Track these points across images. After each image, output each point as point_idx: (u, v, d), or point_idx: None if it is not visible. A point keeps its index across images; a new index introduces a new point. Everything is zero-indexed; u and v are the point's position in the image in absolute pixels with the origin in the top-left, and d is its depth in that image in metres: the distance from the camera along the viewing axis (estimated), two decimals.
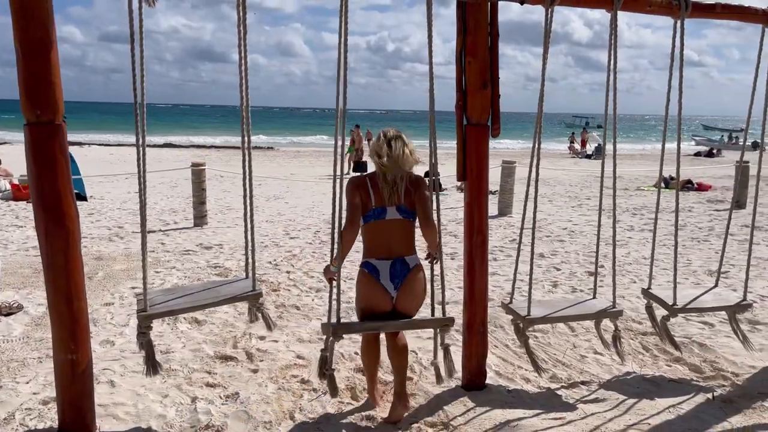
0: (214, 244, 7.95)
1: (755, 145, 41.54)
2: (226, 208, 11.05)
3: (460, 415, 3.37)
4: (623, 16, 3.03)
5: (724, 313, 4.74)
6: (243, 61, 2.98)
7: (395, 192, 3.16)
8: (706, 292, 4.07)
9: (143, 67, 2.85)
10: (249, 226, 3.17)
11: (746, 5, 3.74)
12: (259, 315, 3.31)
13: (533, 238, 3.59)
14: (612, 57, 3.41)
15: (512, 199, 10.85)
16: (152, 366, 3.13)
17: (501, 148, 35.79)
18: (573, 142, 34.36)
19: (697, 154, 32.13)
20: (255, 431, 3.21)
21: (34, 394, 3.53)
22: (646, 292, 4.02)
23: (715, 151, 32.87)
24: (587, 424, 3.29)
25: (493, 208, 10.66)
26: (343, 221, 3.13)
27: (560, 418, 3.35)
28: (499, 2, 3.28)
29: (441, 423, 3.30)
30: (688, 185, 16.25)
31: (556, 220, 10.36)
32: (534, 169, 3.40)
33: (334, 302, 3.17)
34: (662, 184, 17.39)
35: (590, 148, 32.20)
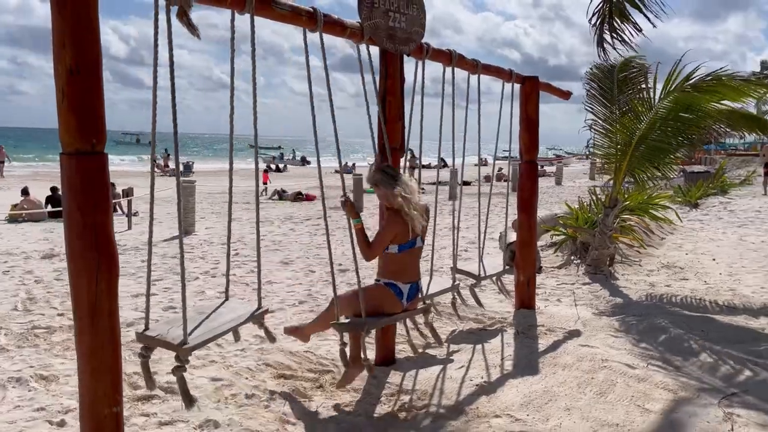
0: None
1: (303, 160, 48.91)
2: None
3: (403, 382, 4.16)
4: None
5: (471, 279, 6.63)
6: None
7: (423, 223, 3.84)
8: (481, 263, 5.77)
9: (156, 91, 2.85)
10: (229, 251, 3.36)
11: (472, 58, 5.30)
12: (262, 330, 3.49)
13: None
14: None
15: (194, 217, 11.09)
16: (188, 398, 3.05)
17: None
18: (156, 160, 34.84)
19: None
20: None
21: None
22: (456, 269, 5.47)
23: (281, 167, 37.86)
24: (478, 363, 4.52)
25: (165, 229, 10.72)
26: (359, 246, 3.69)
27: (462, 366, 4.49)
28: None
29: (394, 393, 4.05)
30: (299, 196, 18.81)
31: (244, 235, 11.06)
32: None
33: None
34: (277, 197, 19.50)
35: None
